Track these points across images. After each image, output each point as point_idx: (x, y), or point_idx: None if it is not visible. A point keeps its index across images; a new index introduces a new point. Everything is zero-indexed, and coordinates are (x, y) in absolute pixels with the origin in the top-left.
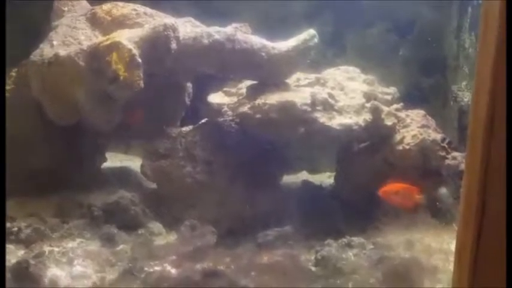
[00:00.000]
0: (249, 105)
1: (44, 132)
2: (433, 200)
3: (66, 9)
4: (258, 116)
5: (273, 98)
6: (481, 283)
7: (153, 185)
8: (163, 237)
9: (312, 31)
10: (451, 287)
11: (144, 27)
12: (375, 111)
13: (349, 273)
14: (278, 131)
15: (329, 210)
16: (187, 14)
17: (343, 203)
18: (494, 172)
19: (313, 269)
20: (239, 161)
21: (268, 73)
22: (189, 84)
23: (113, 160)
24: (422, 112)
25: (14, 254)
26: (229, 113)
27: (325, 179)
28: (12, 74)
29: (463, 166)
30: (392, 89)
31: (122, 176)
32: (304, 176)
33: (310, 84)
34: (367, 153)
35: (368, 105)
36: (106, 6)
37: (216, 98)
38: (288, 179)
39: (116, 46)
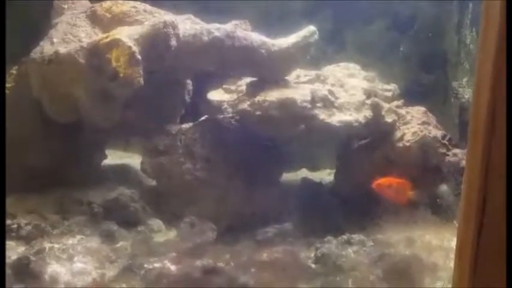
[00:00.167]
0: (248, 102)
1: (44, 129)
2: (434, 197)
3: (66, 6)
4: (257, 113)
5: (273, 95)
6: (481, 281)
7: (153, 182)
8: (163, 234)
9: (312, 28)
10: (451, 285)
11: (144, 24)
12: (375, 108)
13: (349, 271)
14: (278, 128)
15: (329, 208)
16: (186, 11)
17: (343, 200)
18: (495, 169)
19: (313, 266)
20: (239, 158)
21: (268, 70)
22: (189, 81)
23: (113, 157)
24: (422, 109)
25: (15, 251)
26: (229, 110)
27: (325, 176)
28: (12, 71)
29: (463, 163)
30: (392, 86)
31: (122, 173)
32: (303, 173)
33: (310, 81)
34: (367, 150)
35: (368, 102)
36: (106, 4)
37: (215, 95)
38: (288, 176)
39: (115, 43)
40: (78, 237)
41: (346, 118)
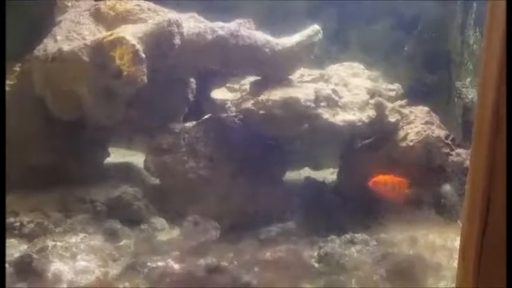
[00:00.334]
0: (252, 101)
1: (47, 127)
2: (437, 196)
3: (69, 4)
4: (261, 112)
5: (277, 94)
6: (485, 281)
7: (156, 180)
8: (166, 232)
9: (316, 27)
10: (455, 285)
11: (148, 22)
12: (379, 108)
13: (352, 270)
14: (281, 127)
15: (332, 207)
16: (190, 9)
17: (346, 199)
18: (499, 169)
19: (316, 265)
20: (242, 157)
21: (272, 69)
22: (193, 80)
23: (116, 155)
24: (426, 109)
25: (17, 249)
26: (233, 108)
27: (328, 175)
28: (15, 69)
29: (467, 163)
30: (396, 86)
31: (125, 171)
32: (306, 172)
33: (313, 80)
34: (370, 150)
35: (372, 101)
36: (110, 2)
37: (219, 93)
38: (291, 175)
39: (119, 41)
40: (81, 235)
41: (349, 117)
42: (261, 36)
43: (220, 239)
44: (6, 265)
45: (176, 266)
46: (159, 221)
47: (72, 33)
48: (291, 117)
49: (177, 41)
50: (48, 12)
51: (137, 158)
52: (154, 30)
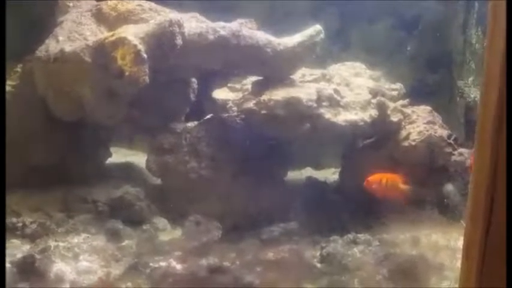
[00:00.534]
0: (254, 101)
1: (49, 127)
2: (440, 196)
3: (71, 4)
4: (263, 112)
5: (278, 94)
6: (489, 281)
7: (158, 180)
8: (168, 232)
9: (318, 26)
10: (458, 285)
11: (149, 22)
12: (381, 107)
13: (354, 270)
14: (283, 127)
15: (334, 207)
16: (192, 9)
17: (348, 199)
18: (503, 168)
19: (318, 265)
20: (244, 157)
21: (274, 69)
22: (194, 80)
23: (118, 155)
24: (428, 108)
25: (20, 249)
26: (234, 108)
27: (329, 175)
28: (17, 69)
29: (469, 162)
30: (398, 85)
31: (127, 171)
32: (308, 172)
33: (315, 80)
34: (372, 150)
35: (374, 101)
36: (111, 2)
37: (221, 93)
38: (293, 175)
39: (121, 42)
40: (83, 235)
41: (351, 117)
42: (262, 36)
43: (222, 239)
44: (9, 265)
45: (178, 266)
46: (161, 221)
47: (74, 33)
48: (292, 117)
49: (178, 41)
50: (50, 13)
51: (139, 158)
52: (156, 31)
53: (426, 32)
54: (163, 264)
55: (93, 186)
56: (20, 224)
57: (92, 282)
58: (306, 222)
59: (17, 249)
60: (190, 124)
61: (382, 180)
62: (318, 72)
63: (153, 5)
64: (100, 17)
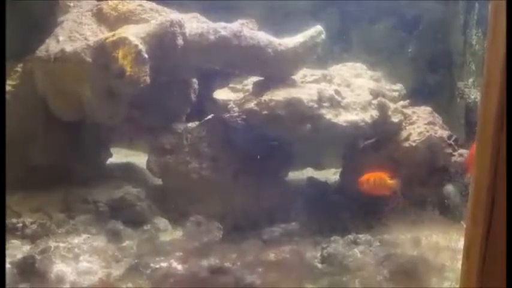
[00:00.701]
0: (255, 102)
1: (49, 127)
2: (440, 197)
3: (71, 4)
4: (264, 112)
5: (280, 95)
6: (490, 281)
7: (159, 181)
8: (169, 233)
9: (319, 27)
10: (459, 285)
11: (150, 22)
12: (382, 108)
13: (355, 271)
14: (284, 127)
15: (335, 207)
16: (193, 9)
17: (348, 200)
18: (503, 169)
19: (319, 265)
20: (245, 157)
21: (275, 69)
22: (195, 80)
23: (118, 155)
24: (429, 109)
25: (20, 250)
26: (235, 109)
27: (330, 175)
28: (17, 69)
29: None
30: (399, 86)
31: (127, 171)
32: (309, 172)
33: (316, 81)
34: (373, 150)
35: (375, 102)
36: (112, 2)
37: (221, 94)
38: (294, 175)
39: (122, 42)
40: (84, 236)
41: (352, 118)
42: (263, 37)
43: (223, 239)
44: (9, 266)
45: (179, 267)
46: (162, 222)
47: (75, 33)
48: (293, 118)
49: (179, 41)
50: (50, 13)
51: (139, 158)
52: (157, 31)
53: (427, 33)
54: (164, 264)
55: (93, 186)
56: (20, 225)
57: (93, 283)
58: (307, 223)
59: (17, 250)
60: (191, 124)
61: (370, 179)
62: (318, 72)
63: (154, 5)
64: (101, 17)
